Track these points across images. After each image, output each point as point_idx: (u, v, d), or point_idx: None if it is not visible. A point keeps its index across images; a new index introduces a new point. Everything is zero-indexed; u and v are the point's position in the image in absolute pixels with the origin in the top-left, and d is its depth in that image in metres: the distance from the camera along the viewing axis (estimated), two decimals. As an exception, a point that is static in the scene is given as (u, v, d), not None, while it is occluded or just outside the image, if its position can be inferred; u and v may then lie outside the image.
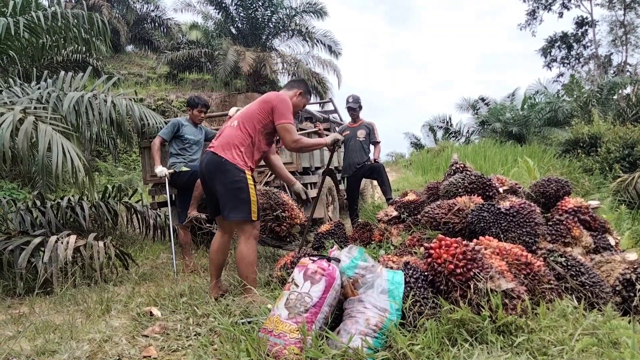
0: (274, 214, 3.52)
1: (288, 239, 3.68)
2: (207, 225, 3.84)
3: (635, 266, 2.21)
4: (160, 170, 3.97)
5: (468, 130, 17.82)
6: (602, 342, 1.62)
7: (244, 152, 2.65)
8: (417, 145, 20.01)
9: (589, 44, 23.11)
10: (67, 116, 4.03)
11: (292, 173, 4.46)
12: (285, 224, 3.54)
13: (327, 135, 5.02)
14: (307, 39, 16.00)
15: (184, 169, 4.01)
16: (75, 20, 4.83)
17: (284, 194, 3.68)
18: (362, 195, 6.70)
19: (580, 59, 23.72)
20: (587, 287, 2.07)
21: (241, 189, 2.58)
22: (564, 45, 23.48)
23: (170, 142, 4.13)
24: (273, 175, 4.13)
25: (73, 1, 16.77)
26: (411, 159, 17.06)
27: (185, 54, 15.28)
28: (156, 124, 4.65)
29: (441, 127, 18.68)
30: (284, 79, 16.56)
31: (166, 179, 4.06)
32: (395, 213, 3.32)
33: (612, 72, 22.17)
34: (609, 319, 1.77)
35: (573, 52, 23.62)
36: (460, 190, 3.00)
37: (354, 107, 5.02)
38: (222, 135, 2.71)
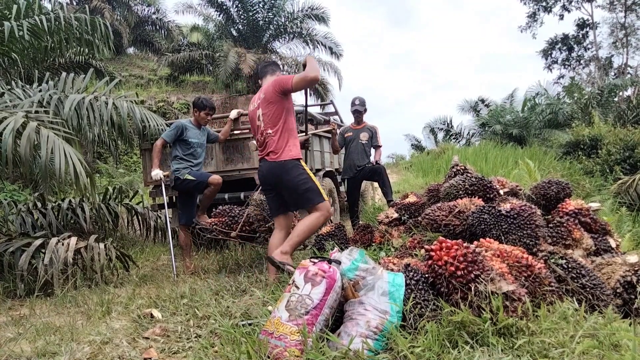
0: (267, 225, 3.53)
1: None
2: (208, 233, 3.81)
3: (636, 268, 2.21)
4: (156, 173, 3.92)
5: (469, 132, 17.85)
6: (602, 345, 1.61)
7: (291, 145, 2.98)
8: (418, 147, 20.00)
9: (589, 46, 23.08)
10: (69, 119, 4.03)
11: None
12: None
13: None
14: (308, 41, 16.02)
15: (188, 177, 3.90)
16: (78, 23, 4.85)
17: None
18: (362, 197, 6.70)
19: (581, 61, 23.67)
20: (588, 289, 2.07)
21: (305, 180, 2.92)
22: (564, 47, 23.44)
23: (174, 146, 4.04)
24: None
25: (74, 3, 16.84)
26: (412, 160, 17.03)
27: (186, 55, 15.29)
28: (157, 125, 4.64)
29: (442, 129, 18.70)
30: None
31: (162, 182, 4.02)
32: (395, 215, 3.31)
33: (612, 74, 22.15)
34: (610, 322, 1.77)
35: (574, 54, 23.58)
36: (460, 192, 3.00)
37: (360, 110, 5.00)
38: (268, 145, 2.99)
